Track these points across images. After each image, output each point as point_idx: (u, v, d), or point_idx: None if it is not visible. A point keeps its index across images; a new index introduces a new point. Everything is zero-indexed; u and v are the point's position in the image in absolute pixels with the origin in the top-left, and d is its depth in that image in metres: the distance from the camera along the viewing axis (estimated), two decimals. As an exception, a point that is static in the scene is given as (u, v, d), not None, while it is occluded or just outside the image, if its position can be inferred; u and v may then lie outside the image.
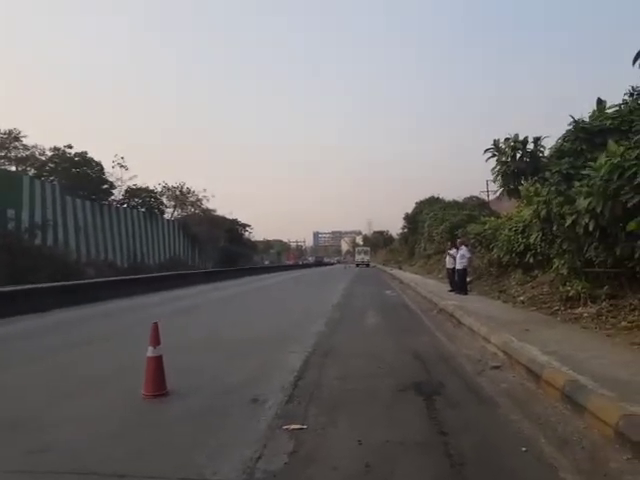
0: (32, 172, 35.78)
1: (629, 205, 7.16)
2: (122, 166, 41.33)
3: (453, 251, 16.68)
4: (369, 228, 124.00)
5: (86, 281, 20.57)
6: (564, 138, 11.00)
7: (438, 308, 12.89)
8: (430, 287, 19.33)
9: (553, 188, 10.11)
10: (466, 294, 15.23)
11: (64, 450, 3.73)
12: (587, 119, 10.84)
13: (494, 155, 11.55)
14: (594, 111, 10.84)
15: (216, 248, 55.93)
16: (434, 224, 38.65)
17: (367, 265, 69.36)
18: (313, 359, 6.96)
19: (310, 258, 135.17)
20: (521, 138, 11.79)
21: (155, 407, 4.85)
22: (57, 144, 37.70)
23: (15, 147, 36.76)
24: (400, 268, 48.11)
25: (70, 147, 37.54)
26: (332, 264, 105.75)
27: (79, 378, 6.04)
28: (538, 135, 11.97)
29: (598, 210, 7.82)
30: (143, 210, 43.90)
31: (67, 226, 31.10)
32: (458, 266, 15.89)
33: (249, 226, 71.57)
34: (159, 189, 50.12)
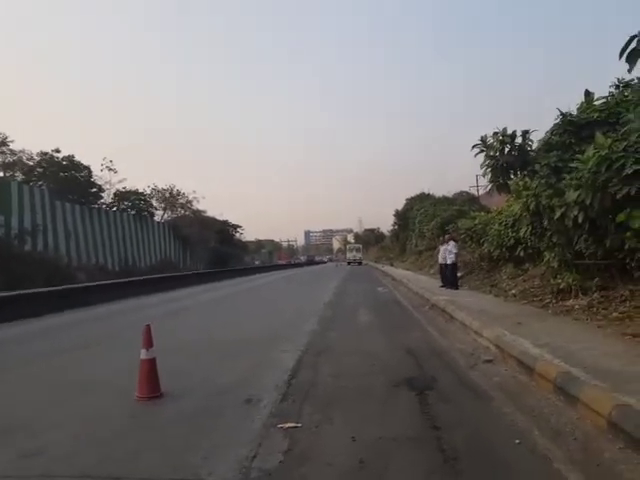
0: (20, 177, 35.42)
1: (618, 197, 7.20)
2: (111, 169, 40.97)
3: (444, 246, 16.74)
4: (360, 226, 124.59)
5: (77, 285, 20.39)
6: (552, 131, 11.04)
7: (430, 304, 12.92)
8: (422, 283, 19.38)
9: (542, 181, 10.15)
10: (457, 289, 15.30)
11: (58, 453, 3.70)
12: (575, 112, 10.88)
13: (482, 151, 11.55)
14: (582, 103, 10.89)
15: (207, 249, 55.67)
16: (425, 220, 38.83)
17: (359, 263, 67.75)
18: (306, 358, 6.95)
19: (302, 257, 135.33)
20: (509, 132, 11.84)
21: (149, 409, 4.82)
22: (44, 148, 37.40)
23: (2, 152, 36.38)
24: (392, 265, 48.26)
25: (58, 151, 37.22)
26: (324, 262, 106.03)
27: (72, 382, 5.98)
28: (526, 129, 12.04)
29: (587, 202, 7.86)
30: (133, 213, 43.62)
31: (57, 231, 30.82)
32: (447, 261, 15.98)
33: (240, 227, 71.31)
34: (148, 191, 49.88)
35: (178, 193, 53.27)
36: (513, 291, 12.46)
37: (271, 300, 18.17)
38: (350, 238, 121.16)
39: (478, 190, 46.11)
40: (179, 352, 7.48)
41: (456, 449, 3.55)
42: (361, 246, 78.97)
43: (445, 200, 45.56)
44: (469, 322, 8.73)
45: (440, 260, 17.00)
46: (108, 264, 36.39)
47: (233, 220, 68.84)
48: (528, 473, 3.25)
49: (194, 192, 54.95)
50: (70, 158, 37.55)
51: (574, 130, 10.36)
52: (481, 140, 11.43)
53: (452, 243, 16.14)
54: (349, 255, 72.58)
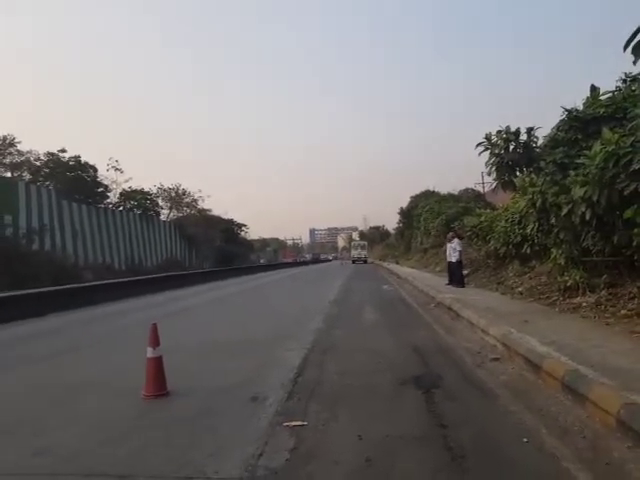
0: (27, 177, 35.66)
1: (625, 193, 7.13)
2: (117, 169, 41.20)
3: (449, 244, 16.68)
4: (365, 224, 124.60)
5: (83, 284, 20.49)
6: (558, 127, 10.96)
7: (436, 301, 12.89)
8: (427, 281, 19.33)
9: (548, 178, 10.09)
10: (463, 287, 15.24)
11: (65, 452, 3.71)
12: (581, 107, 10.80)
13: (487, 149, 11.49)
14: (587, 98, 10.80)
15: (212, 248, 55.82)
16: (430, 218, 38.68)
17: (365, 261, 64.95)
18: (312, 356, 6.94)
19: (307, 255, 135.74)
20: (513, 130, 11.78)
21: (155, 407, 4.83)
22: (51, 149, 37.62)
23: (10, 153, 36.61)
24: (397, 263, 48.21)
25: (64, 151, 37.44)
26: (329, 260, 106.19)
27: (78, 380, 5.99)
28: (531, 126, 11.97)
29: (594, 199, 7.79)
30: (139, 212, 43.77)
31: (64, 230, 30.99)
32: (452, 259, 15.94)
33: (245, 225, 71.45)
34: (154, 191, 50.05)
35: (184, 192, 53.49)
36: (520, 289, 12.40)
37: (276, 298, 18.18)
38: (355, 236, 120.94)
39: (484, 187, 45.99)
40: (185, 350, 7.50)
41: (463, 447, 3.53)
42: (366, 243, 76.33)
43: (450, 197, 45.40)
44: (475, 320, 8.70)
45: (448, 257, 16.95)
46: (115, 263, 36.59)
47: (238, 219, 69.04)
48: (536, 472, 3.22)
49: (199, 191, 55.43)
50: (76, 158, 37.72)
51: (580, 126, 10.28)
52: (485, 138, 11.39)
53: (456, 241, 16.09)
54: (354, 253, 69.66)
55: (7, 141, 36.14)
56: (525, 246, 13.81)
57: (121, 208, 42.64)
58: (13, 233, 25.60)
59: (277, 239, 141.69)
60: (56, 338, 9.72)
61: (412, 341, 7.82)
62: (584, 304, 8.75)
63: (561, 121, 10.87)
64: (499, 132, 10.88)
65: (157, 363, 5.10)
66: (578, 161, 8.69)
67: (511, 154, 10.58)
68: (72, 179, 36.47)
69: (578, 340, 6.19)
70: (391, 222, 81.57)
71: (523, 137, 10.98)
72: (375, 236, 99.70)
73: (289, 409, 4.57)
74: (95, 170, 39.02)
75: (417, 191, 56.52)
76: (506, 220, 15.96)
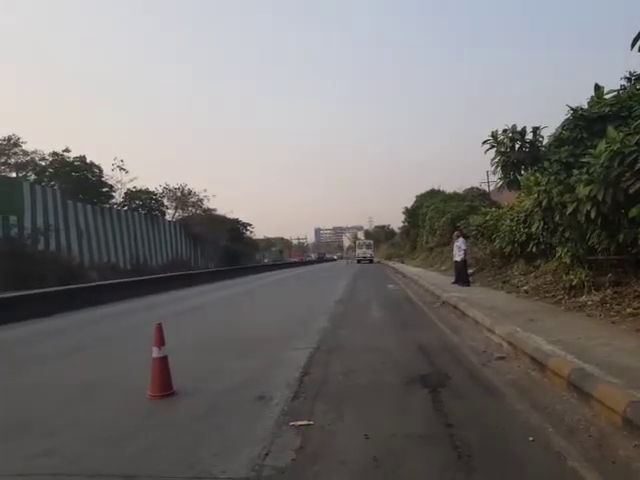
0: (32, 178, 35.73)
1: (631, 191, 7.12)
2: (122, 169, 41.22)
3: (454, 243, 16.67)
4: (370, 223, 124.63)
5: (88, 284, 20.56)
6: (563, 126, 10.92)
7: (441, 300, 12.89)
8: (433, 280, 19.31)
9: (553, 177, 10.07)
10: (469, 286, 15.22)
11: (71, 452, 3.74)
12: (585, 106, 10.76)
13: (493, 147, 11.45)
14: (592, 97, 10.77)
15: (218, 248, 55.86)
16: (435, 216, 38.58)
17: (370, 261, 61.22)
18: (318, 355, 6.96)
19: (312, 255, 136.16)
20: (519, 129, 11.72)
21: (161, 407, 4.85)
22: (56, 148, 37.67)
23: (15, 153, 36.73)
24: (402, 262, 48.16)
25: (68, 151, 37.48)
26: (334, 260, 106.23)
27: (84, 381, 6.03)
28: (537, 125, 11.92)
29: (599, 197, 7.78)
30: (144, 212, 43.85)
31: (69, 231, 31.09)
32: (457, 258, 15.94)
33: (250, 225, 71.42)
34: (160, 190, 50.11)
35: (189, 192, 53.47)
36: (525, 287, 12.38)
37: (282, 298, 18.19)
38: (360, 235, 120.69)
39: (489, 186, 45.86)
40: (191, 350, 7.54)
41: (469, 446, 3.53)
42: (372, 242, 72.54)
43: (456, 196, 45.25)
44: (481, 319, 8.69)
45: (454, 257, 16.94)
46: (120, 263, 36.68)
47: (243, 218, 69.06)
48: (542, 471, 3.23)
49: (205, 191, 55.39)
50: (81, 158, 37.79)
51: (585, 125, 10.24)
52: (492, 136, 11.34)
53: (461, 240, 16.09)
54: (359, 252, 65.41)
55: (12, 141, 36.25)
56: (530, 245, 13.79)
57: (126, 208, 42.71)
58: (18, 233, 25.70)
59: (282, 239, 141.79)
60: (61, 339, 9.77)
61: (418, 340, 7.82)
62: (589, 303, 8.73)
63: (566, 120, 10.83)
64: (505, 131, 10.84)
65: (163, 363, 5.12)
66: (583, 160, 8.67)
67: (517, 153, 10.52)
68: (77, 179, 36.50)
69: (584, 338, 6.18)
70: (396, 221, 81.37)
71: (529, 136, 10.93)
72: (380, 235, 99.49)
73: (295, 408, 4.58)
74: (100, 170, 39.02)
75: (422, 190, 56.36)
76: (511, 219, 15.94)
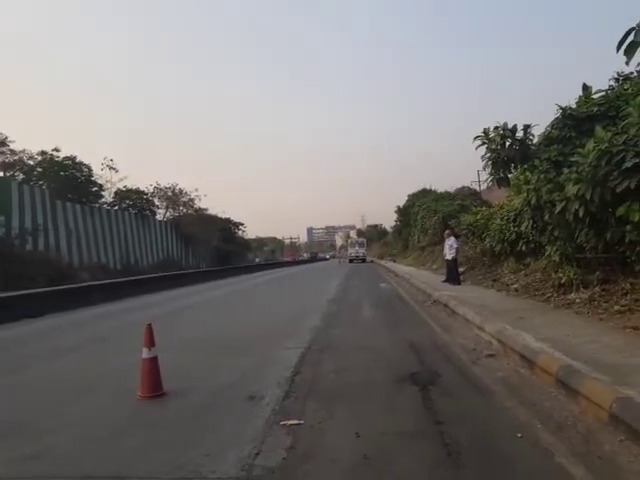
0: (20, 177, 35.41)
1: (618, 190, 7.19)
2: (112, 168, 41.00)
3: (445, 241, 16.74)
4: (363, 222, 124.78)
5: (78, 285, 20.41)
6: (552, 125, 11.01)
7: (432, 299, 12.94)
8: (424, 278, 19.39)
9: (542, 176, 10.15)
10: (459, 284, 15.30)
11: (60, 455, 3.71)
12: (574, 106, 10.85)
13: (484, 143, 11.52)
14: (580, 97, 10.86)
15: (209, 247, 55.69)
16: (427, 216, 38.71)
17: (363, 260, 59.05)
18: (309, 354, 6.97)
19: (305, 254, 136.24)
20: (510, 127, 11.80)
21: (151, 408, 4.84)
22: (44, 148, 37.34)
23: (2, 152, 36.35)
24: (394, 261, 48.26)
25: (57, 150, 37.15)
26: (326, 259, 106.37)
27: (74, 382, 6.00)
28: (528, 123, 12.00)
29: (587, 196, 7.85)
30: (134, 212, 43.61)
31: (58, 230, 30.86)
32: (448, 257, 16.02)
33: (242, 224, 71.20)
34: (151, 190, 49.83)
35: (180, 192, 53.19)
36: (515, 285, 12.47)
37: (274, 297, 18.16)
38: (353, 234, 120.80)
39: (480, 185, 46.10)
40: (181, 350, 7.51)
41: (459, 443, 3.57)
42: (365, 240, 71.03)
43: (447, 195, 45.39)
44: (471, 317, 8.75)
45: (445, 256, 17.03)
46: (110, 263, 36.47)
47: (235, 218, 68.83)
48: (530, 466, 3.27)
49: (196, 190, 54.95)
50: (71, 157, 37.51)
51: (574, 124, 10.34)
52: (483, 133, 11.40)
53: (452, 238, 16.19)
54: (351, 251, 63.07)
55: (-1, 140, 35.89)
56: (520, 243, 13.89)
57: (116, 207, 42.46)
58: (6, 233, 25.48)
59: (275, 238, 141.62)
60: (52, 339, 9.68)
61: (409, 338, 7.86)
62: (578, 300, 8.82)
63: (556, 119, 10.92)
64: (496, 128, 10.92)
65: (152, 364, 5.10)
66: (572, 159, 8.76)
67: (507, 150, 10.59)
68: (66, 178, 36.19)
69: (572, 336, 6.24)
70: (389, 220, 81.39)
71: (519, 134, 11.01)
72: (373, 234, 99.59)
73: (286, 408, 4.59)
74: (89, 169, 38.75)
75: (414, 189, 56.46)
76: (501, 218, 16.05)
